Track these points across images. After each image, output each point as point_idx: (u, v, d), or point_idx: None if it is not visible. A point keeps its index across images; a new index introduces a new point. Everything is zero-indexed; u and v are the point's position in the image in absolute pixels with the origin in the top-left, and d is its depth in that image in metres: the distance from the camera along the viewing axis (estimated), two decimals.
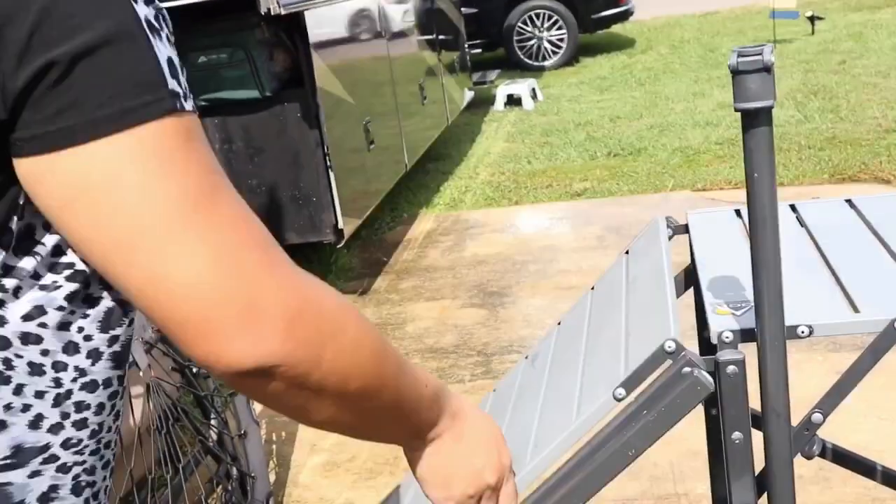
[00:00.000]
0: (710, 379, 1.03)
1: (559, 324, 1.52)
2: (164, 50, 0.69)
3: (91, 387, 0.77)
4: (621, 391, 1.07)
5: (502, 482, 1.01)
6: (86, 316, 0.75)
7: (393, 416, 0.87)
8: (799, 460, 1.10)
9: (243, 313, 0.68)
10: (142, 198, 0.66)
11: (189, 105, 0.70)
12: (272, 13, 3.65)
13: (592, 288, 1.52)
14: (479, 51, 9.61)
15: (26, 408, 0.73)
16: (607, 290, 1.46)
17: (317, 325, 0.73)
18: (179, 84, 0.69)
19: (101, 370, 0.77)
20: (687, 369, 1.03)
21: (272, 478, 2.79)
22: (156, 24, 0.69)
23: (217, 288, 0.68)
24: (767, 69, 0.88)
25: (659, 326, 1.12)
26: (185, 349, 0.71)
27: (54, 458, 0.75)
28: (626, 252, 1.51)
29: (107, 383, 0.78)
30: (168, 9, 0.70)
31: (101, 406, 0.78)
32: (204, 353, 0.70)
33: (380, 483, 2.76)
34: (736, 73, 0.89)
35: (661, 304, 1.19)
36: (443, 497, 0.97)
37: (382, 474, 2.80)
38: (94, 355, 0.76)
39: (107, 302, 0.77)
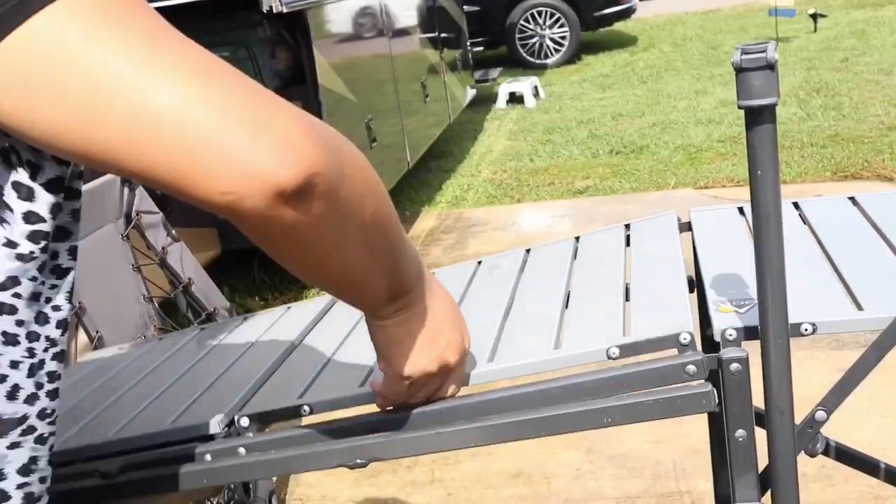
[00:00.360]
0: (716, 398, 1.03)
1: (527, 251, 1.53)
2: None
3: (61, 357, 0.76)
4: (616, 351, 1.08)
5: (461, 366, 0.98)
6: (54, 287, 0.74)
7: (390, 261, 0.82)
8: (802, 458, 1.10)
9: (260, 123, 0.62)
10: (98, 46, 0.61)
11: None
12: (274, 11, 3.65)
13: (577, 238, 1.53)
14: (481, 49, 9.61)
15: (3, 378, 0.72)
16: (599, 247, 1.47)
17: (326, 131, 0.68)
18: None
19: (65, 341, 0.77)
20: (692, 368, 1.03)
21: (275, 475, 2.79)
22: None
23: (218, 104, 0.61)
24: (771, 66, 0.88)
25: (672, 313, 1.13)
26: (207, 195, 0.62)
27: (32, 429, 0.75)
28: (627, 226, 1.51)
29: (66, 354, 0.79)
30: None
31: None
32: (232, 184, 0.62)
33: (382, 481, 2.76)
34: (739, 70, 0.88)
35: (677, 294, 1.20)
36: (402, 372, 0.94)
37: (384, 473, 2.80)
38: (63, 325, 0.76)
39: (73, 272, 0.76)
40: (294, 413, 1.15)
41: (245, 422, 1.17)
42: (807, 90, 7.07)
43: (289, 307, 1.59)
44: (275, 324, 1.50)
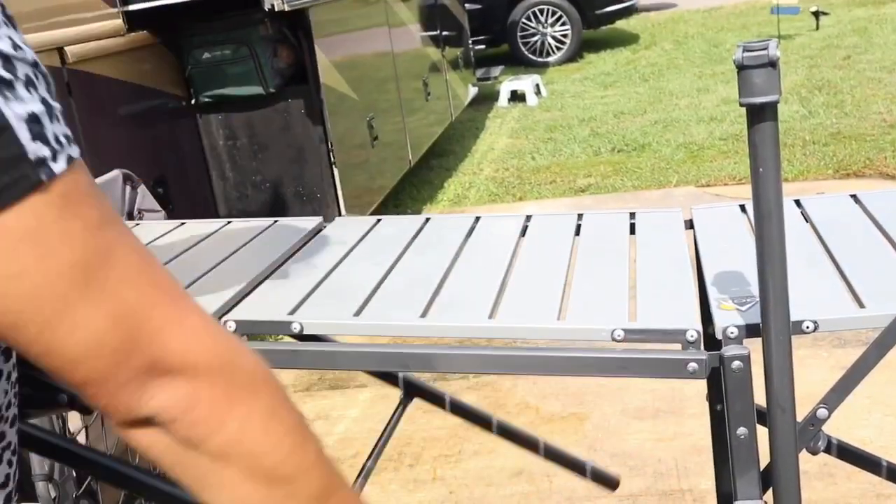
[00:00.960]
0: (708, 369, 1.05)
1: (528, 217, 1.56)
2: (22, 105, 0.57)
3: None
4: (621, 333, 1.11)
5: None
6: None
7: None
8: (804, 456, 1.10)
9: (143, 372, 0.63)
10: (24, 283, 0.59)
11: (61, 163, 0.59)
12: (276, 9, 3.65)
13: (579, 215, 1.55)
14: (482, 47, 9.61)
15: None
16: (604, 229, 1.49)
17: (226, 382, 0.66)
18: (47, 142, 0.58)
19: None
20: (694, 365, 1.04)
21: None
22: (6, 74, 0.57)
23: (116, 351, 0.62)
24: (773, 64, 0.88)
25: (680, 307, 1.16)
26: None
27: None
28: (632, 214, 1.52)
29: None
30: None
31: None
32: (104, 407, 0.65)
33: (383, 479, 2.76)
34: (741, 68, 0.88)
35: (684, 289, 1.22)
36: None
37: (386, 470, 2.80)
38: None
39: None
40: (283, 329, 1.13)
41: (231, 326, 1.13)
42: (809, 88, 7.06)
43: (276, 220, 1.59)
44: (268, 230, 1.49)
